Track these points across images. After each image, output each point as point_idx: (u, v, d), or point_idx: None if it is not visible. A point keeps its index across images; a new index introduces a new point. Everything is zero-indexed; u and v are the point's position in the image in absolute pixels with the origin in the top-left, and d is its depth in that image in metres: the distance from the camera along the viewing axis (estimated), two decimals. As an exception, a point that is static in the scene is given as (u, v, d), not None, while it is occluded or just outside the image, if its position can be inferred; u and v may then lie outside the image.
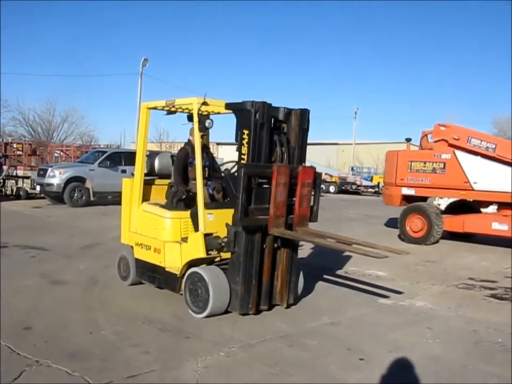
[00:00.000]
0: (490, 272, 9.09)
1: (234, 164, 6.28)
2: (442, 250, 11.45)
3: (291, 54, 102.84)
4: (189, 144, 6.55)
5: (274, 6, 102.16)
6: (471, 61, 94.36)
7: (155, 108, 6.56)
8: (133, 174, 6.81)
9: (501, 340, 5.38)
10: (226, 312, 5.56)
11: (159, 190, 6.79)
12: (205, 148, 6.60)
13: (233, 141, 5.59)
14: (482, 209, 12.95)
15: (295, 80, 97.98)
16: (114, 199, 18.29)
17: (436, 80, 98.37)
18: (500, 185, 11.29)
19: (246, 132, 5.39)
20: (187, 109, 6.37)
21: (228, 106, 5.78)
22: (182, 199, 6.20)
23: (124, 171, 17.75)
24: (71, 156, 28.97)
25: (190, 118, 6.41)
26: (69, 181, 16.86)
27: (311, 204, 5.95)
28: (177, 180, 6.31)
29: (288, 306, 5.93)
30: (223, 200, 6.30)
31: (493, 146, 11.71)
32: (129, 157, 18.53)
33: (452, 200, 14.24)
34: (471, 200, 12.63)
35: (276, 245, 5.75)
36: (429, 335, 5.45)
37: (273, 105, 5.61)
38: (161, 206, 6.33)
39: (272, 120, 5.68)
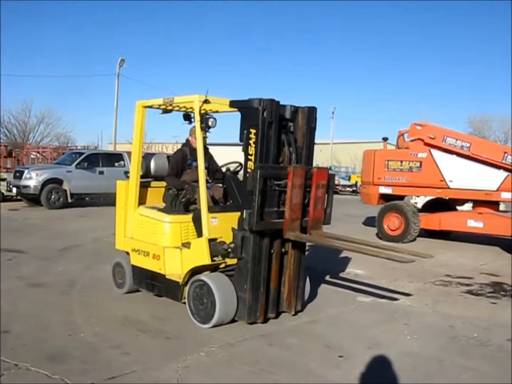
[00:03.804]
0: (467, 268, 9.23)
1: (237, 165, 6.19)
2: (419, 248, 11.54)
3: (267, 53, 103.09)
4: (187, 145, 6.35)
5: (252, 5, 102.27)
6: (447, 60, 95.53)
7: (151, 107, 6.26)
8: (128, 176, 6.45)
9: (476, 335, 5.49)
10: (233, 321, 5.34)
11: (155, 193, 6.49)
12: (204, 149, 6.19)
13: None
14: (458, 207, 13.16)
15: (270, 80, 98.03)
16: (92, 200, 18.25)
17: (412, 80, 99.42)
18: (475, 183, 11.48)
19: (253, 131, 5.12)
20: (185, 107, 6.16)
21: (233, 104, 5.47)
22: (188, 201, 5.95)
23: (101, 172, 17.67)
24: (47, 157, 28.63)
25: (186, 117, 6.22)
26: (46, 183, 16.70)
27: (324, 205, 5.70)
28: (176, 182, 6.09)
29: (295, 313, 5.73)
30: (224, 203, 6.08)
31: (468, 145, 11.91)
32: (107, 158, 18.48)
33: (428, 198, 14.43)
34: (447, 198, 12.82)
35: (283, 250, 5.53)
36: (407, 332, 5.53)
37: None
38: (160, 210, 6.05)
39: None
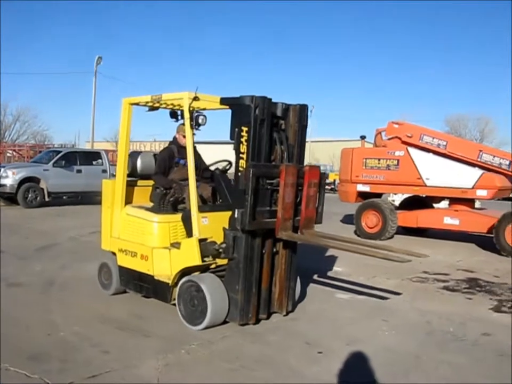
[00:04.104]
0: (443, 265, 9.36)
1: (227, 163, 6.15)
2: (396, 245, 11.64)
3: (242, 50, 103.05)
4: (174, 143, 6.25)
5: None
6: (425, 60, 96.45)
7: (137, 104, 6.14)
8: (114, 174, 6.32)
9: (452, 330, 5.59)
10: (224, 322, 5.27)
11: (142, 192, 6.39)
12: None
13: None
14: (435, 205, 13.33)
15: (248, 78, 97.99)
16: (70, 199, 18.10)
17: (390, 79, 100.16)
18: (451, 181, 11.63)
19: (244, 129, 5.03)
20: (172, 104, 6.03)
21: (224, 101, 5.35)
22: (177, 200, 5.88)
23: (79, 171, 17.52)
24: (24, 155, 28.38)
25: (173, 114, 6.11)
26: (22, 182, 16.45)
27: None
28: (163, 181, 6.00)
29: (286, 314, 5.69)
30: (213, 202, 6.01)
31: (444, 143, 12.08)
32: (85, 157, 18.33)
33: (406, 196, 14.59)
34: (424, 195, 12.98)
35: (274, 249, 5.46)
36: (385, 328, 5.60)
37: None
38: (147, 209, 5.94)
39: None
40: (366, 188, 12.86)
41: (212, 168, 6.29)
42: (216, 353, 4.63)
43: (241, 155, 5.09)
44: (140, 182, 6.50)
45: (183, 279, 5.38)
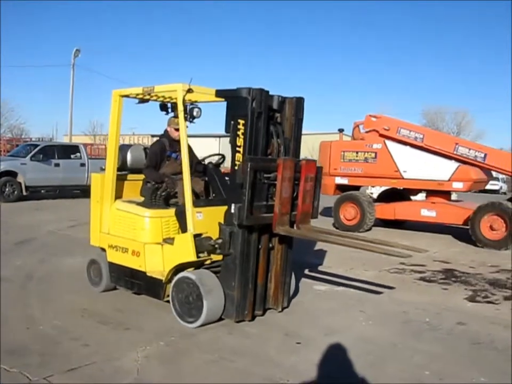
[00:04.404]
0: (420, 256, 9.38)
1: (220, 157, 6.11)
2: (375, 237, 11.81)
3: (218, 45, 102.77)
4: (165, 136, 6.10)
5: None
6: (403, 53, 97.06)
7: (128, 96, 5.98)
8: (104, 169, 6.08)
9: (428, 320, 5.71)
10: (219, 319, 5.18)
11: (132, 186, 6.26)
12: None
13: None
14: (412, 197, 13.49)
15: (226, 71, 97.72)
16: (48, 193, 17.96)
17: (368, 72, 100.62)
18: (428, 174, 11.80)
19: (241, 121, 4.92)
20: (163, 96, 5.91)
21: (219, 93, 5.24)
22: (168, 194, 5.78)
23: (57, 164, 17.39)
24: (0, 149, 27.99)
25: (163, 107, 6.01)
26: (-1, 176, 16.32)
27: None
28: (155, 175, 5.90)
29: (282, 310, 5.64)
30: (205, 197, 5.92)
31: (421, 136, 12.24)
32: (63, 150, 18.19)
33: (384, 188, 14.75)
34: (402, 188, 13.14)
35: (270, 245, 5.38)
36: (362, 318, 5.70)
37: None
38: (138, 204, 5.80)
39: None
40: (344, 181, 12.97)
41: (205, 162, 6.21)
42: (197, 345, 4.67)
43: (237, 148, 4.99)
44: (129, 176, 6.38)
45: (177, 276, 5.27)
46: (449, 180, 11.66)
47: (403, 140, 12.41)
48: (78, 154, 18.23)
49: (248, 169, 4.78)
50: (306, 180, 5.24)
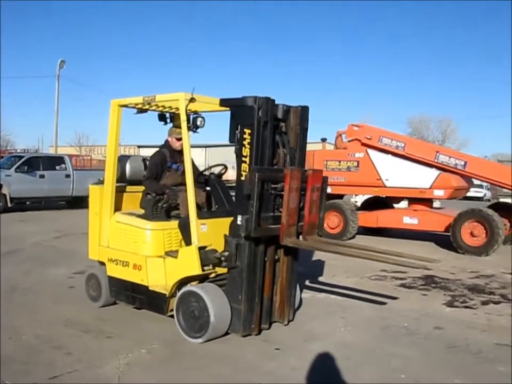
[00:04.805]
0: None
1: (222, 167, 6.07)
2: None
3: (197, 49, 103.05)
4: (166, 146, 5.99)
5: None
6: (387, 61, 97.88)
7: (127, 106, 5.82)
8: (103, 180, 5.98)
9: (406, 325, 5.82)
10: (225, 334, 5.08)
11: (130, 198, 6.12)
12: (183, 151, 5.84)
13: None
14: (395, 205, 13.68)
15: (208, 78, 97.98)
16: (33, 204, 17.94)
17: (352, 81, 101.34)
18: (409, 182, 11.98)
19: (247, 131, 4.83)
20: (163, 106, 5.85)
21: (224, 102, 5.11)
22: (170, 206, 5.67)
23: (42, 176, 17.40)
24: (-15, 161, 27.89)
25: (161, 117, 5.99)
26: (-16, 188, 16.27)
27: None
28: (156, 186, 5.77)
29: (287, 323, 5.53)
30: (207, 208, 5.84)
31: (403, 145, 12.46)
32: (48, 162, 18.21)
33: (367, 197, 14.93)
34: (384, 196, 13.31)
35: (276, 257, 5.29)
36: (342, 324, 5.80)
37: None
38: (139, 216, 5.67)
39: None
40: (327, 190, 13.07)
41: (207, 172, 6.15)
42: (178, 352, 4.75)
43: (243, 158, 4.90)
44: (128, 188, 6.23)
45: (182, 290, 5.14)
46: (430, 188, 11.85)
47: (385, 149, 12.61)
48: (63, 165, 18.27)
49: (256, 179, 4.66)
50: (312, 190, 5.15)
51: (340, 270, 8.69)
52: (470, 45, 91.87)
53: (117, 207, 5.95)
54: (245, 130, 4.87)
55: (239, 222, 4.84)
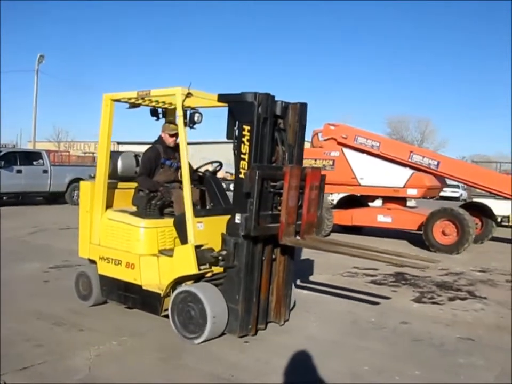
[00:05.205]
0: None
1: (217, 164, 6.01)
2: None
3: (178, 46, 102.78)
4: (160, 142, 5.89)
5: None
6: (367, 61, 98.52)
7: (119, 100, 5.67)
8: (95, 177, 5.81)
9: (374, 320, 5.98)
10: (221, 334, 5.00)
11: (122, 195, 5.98)
12: (177, 147, 5.70)
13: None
14: (370, 203, 13.86)
15: (183, 75, 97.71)
16: (10, 200, 17.83)
17: (332, 80, 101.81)
18: (384, 181, 12.18)
19: (246, 128, 4.74)
20: (157, 101, 5.78)
21: (222, 98, 5.01)
22: (163, 204, 5.58)
23: (19, 171, 17.31)
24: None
25: (153, 112, 5.92)
26: (-41, 183, 16.15)
27: None
28: (149, 183, 5.69)
29: (283, 323, 5.50)
30: (201, 206, 5.75)
31: (377, 144, 12.65)
32: (25, 157, 18.12)
33: (342, 195, 15.12)
34: (359, 195, 13.50)
35: (273, 256, 5.21)
36: (313, 319, 5.93)
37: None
38: (132, 214, 5.57)
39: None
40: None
41: (202, 169, 6.04)
42: (147, 344, 4.84)
43: (242, 156, 4.81)
44: (120, 184, 6.08)
45: (177, 289, 5.05)
46: (404, 187, 12.07)
47: (360, 148, 12.79)
48: (41, 161, 18.19)
49: (257, 177, 4.59)
50: (311, 188, 5.07)
51: (313, 267, 8.82)
52: (449, 45, 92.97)
53: (108, 204, 5.83)
54: (244, 127, 4.79)
55: (237, 221, 4.76)
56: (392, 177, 12.13)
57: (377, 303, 6.71)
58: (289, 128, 5.20)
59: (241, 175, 4.79)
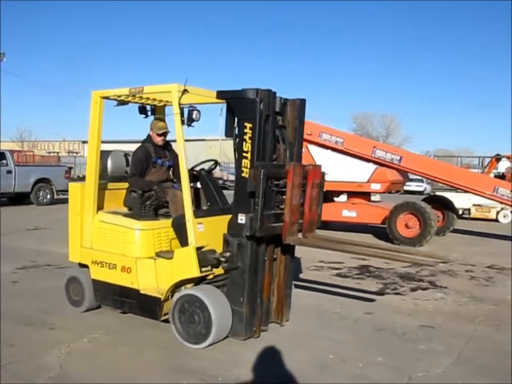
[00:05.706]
0: (339, 254, 9.94)
1: (213, 163, 5.91)
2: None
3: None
4: (149, 141, 5.73)
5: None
6: (333, 57, 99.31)
7: (108, 98, 5.44)
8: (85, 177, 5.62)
9: (339, 310, 6.19)
10: (224, 337, 4.89)
11: (112, 196, 5.78)
12: (167, 146, 5.82)
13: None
14: (335, 198, 14.09)
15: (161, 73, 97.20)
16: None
17: (298, 75, 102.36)
18: (348, 176, 12.42)
19: (248, 125, 4.61)
20: (148, 98, 5.63)
21: (221, 95, 4.88)
22: (158, 204, 5.45)
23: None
24: None
25: (142, 110, 5.81)
26: None
27: None
28: (142, 183, 5.53)
29: (284, 324, 5.45)
30: (196, 206, 5.51)
31: (341, 140, 12.87)
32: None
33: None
34: (324, 190, 13.68)
35: (274, 256, 5.14)
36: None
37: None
38: (126, 215, 5.40)
39: None
40: (269, 184, 13.38)
41: (197, 168, 5.88)
42: (118, 341, 4.94)
43: (244, 154, 4.67)
44: (110, 185, 5.87)
45: (179, 293, 4.91)
46: (367, 182, 12.35)
47: (325, 144, 12.99)
48: (4, 161, 17.93)
49: (262, 176, 4.47)
50: (313, 186, 4.98)
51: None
52: (413, 40, 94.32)
53: (100, 206, 5.63)
54: (246, 124, 4.65)
55: (241, 221, 4.65)
56: (356, 172, 12.39)
57: (343, 295, 6.90)
58: (288, 124, 5.13)
59: (244, 174, 4.67)
